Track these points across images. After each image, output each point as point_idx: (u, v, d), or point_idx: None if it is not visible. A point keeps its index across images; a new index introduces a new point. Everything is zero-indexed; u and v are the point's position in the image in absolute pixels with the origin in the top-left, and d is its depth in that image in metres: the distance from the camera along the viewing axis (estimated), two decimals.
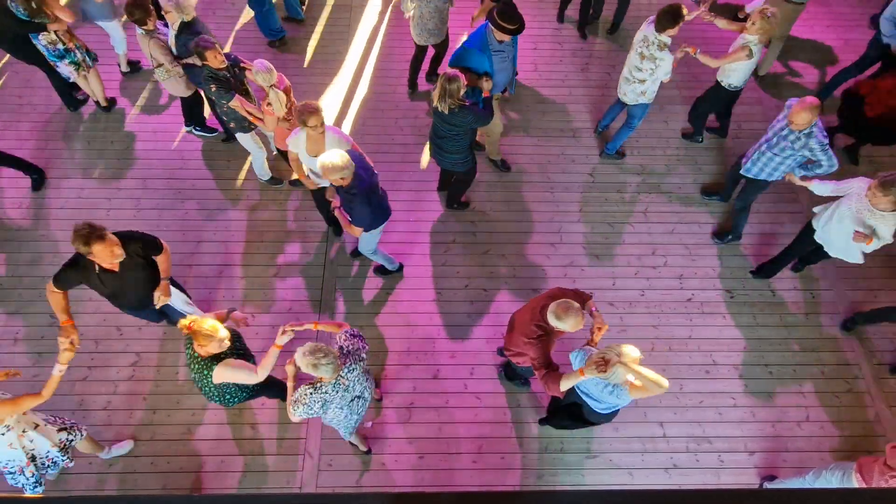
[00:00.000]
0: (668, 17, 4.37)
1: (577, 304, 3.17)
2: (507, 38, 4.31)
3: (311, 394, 3.07)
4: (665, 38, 4.47)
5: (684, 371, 4.58)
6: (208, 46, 4.11)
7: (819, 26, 6.54)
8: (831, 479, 3.51)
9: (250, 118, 4.52)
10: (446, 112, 4.08)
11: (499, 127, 5.09)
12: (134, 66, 5.98)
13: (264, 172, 5.22)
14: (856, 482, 3.36)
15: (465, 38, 5.22)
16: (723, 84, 4.93)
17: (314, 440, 4.24)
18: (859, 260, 4.23)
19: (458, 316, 4.78)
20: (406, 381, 4.49)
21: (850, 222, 3.96)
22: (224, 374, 3.21)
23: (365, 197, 3.77)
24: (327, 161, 3.53)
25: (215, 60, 4.17)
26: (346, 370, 3.12)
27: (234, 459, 4.18)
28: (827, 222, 4.17)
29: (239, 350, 3.41)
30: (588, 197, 5.41)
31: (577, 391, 3.54)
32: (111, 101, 5.71)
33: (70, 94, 5.56)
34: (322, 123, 3.84)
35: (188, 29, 4.52)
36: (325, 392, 3.07)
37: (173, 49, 4.68)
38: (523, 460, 4.23)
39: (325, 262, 4.99)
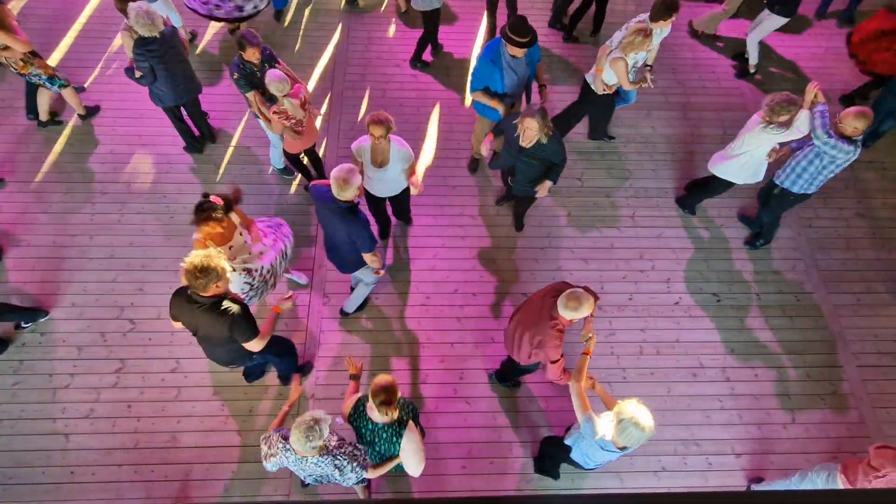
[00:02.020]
0: (664, 9, 4.45)
1: (581, 289, 3.22)
2: (519, 53, 4.24)
3: (279, 445, 2.99)
4: (650, 24, 4.54)
5: (672, 374, 4.61)
6: (252, 43, 4.28)
7: (805, 33, 6.64)
8: (817, 481, 3.55)
9: (260, 116, 4.63)
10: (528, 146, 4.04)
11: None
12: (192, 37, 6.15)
13: (279, 162, 5.26)
14: (841, 483, 3.40)
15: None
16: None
17: None
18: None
19: (447, 320, 4.77)
20: None
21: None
22: (410, 445, 3.03)
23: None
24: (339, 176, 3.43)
25: (252, 56, 4.36)
26: (313, 459, 2.93)
27: (220, 467, 4.12)
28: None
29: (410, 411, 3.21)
30: (576, 201, 5.44)
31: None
32: (89, 111, 5.59)
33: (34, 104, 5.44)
34: (386, 135, 3.78)
35: (144, 44, 4.35)
36: (286, 454, 2.97)
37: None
38: (513, 465, 4.22)
39: (314, 267, 4.95)
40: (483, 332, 4.73)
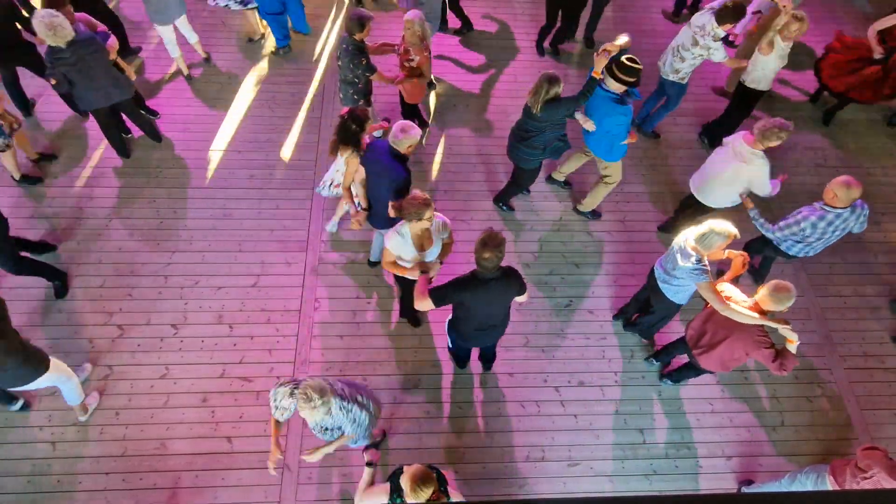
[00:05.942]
0: (730, 13, 4.58)
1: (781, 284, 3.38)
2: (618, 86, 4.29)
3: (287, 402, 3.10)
4: (721, 31, 4.70)
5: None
6: (370, 17, 4.29)
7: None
8: (806, 482, 3.58)
9: (387, 82, 4.78)
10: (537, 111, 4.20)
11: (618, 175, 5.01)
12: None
13: None
14: (830, 484, 3.44)
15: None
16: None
17: (293, 453, 4.17)
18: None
19: (439, 325, 4.77)
20: (386, 391, 4.45)
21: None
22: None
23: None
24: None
25: (368, 33, 4.40)
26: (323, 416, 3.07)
27: (210, 474, 4.08)
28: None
29: None
30: (567, 206, 5.46)
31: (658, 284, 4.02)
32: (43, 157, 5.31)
33: None
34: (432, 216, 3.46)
35: (52, 52, 4.27)
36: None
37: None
38: (505, 469, 4.22)
39: (305, 271, 4.93)
40: None
